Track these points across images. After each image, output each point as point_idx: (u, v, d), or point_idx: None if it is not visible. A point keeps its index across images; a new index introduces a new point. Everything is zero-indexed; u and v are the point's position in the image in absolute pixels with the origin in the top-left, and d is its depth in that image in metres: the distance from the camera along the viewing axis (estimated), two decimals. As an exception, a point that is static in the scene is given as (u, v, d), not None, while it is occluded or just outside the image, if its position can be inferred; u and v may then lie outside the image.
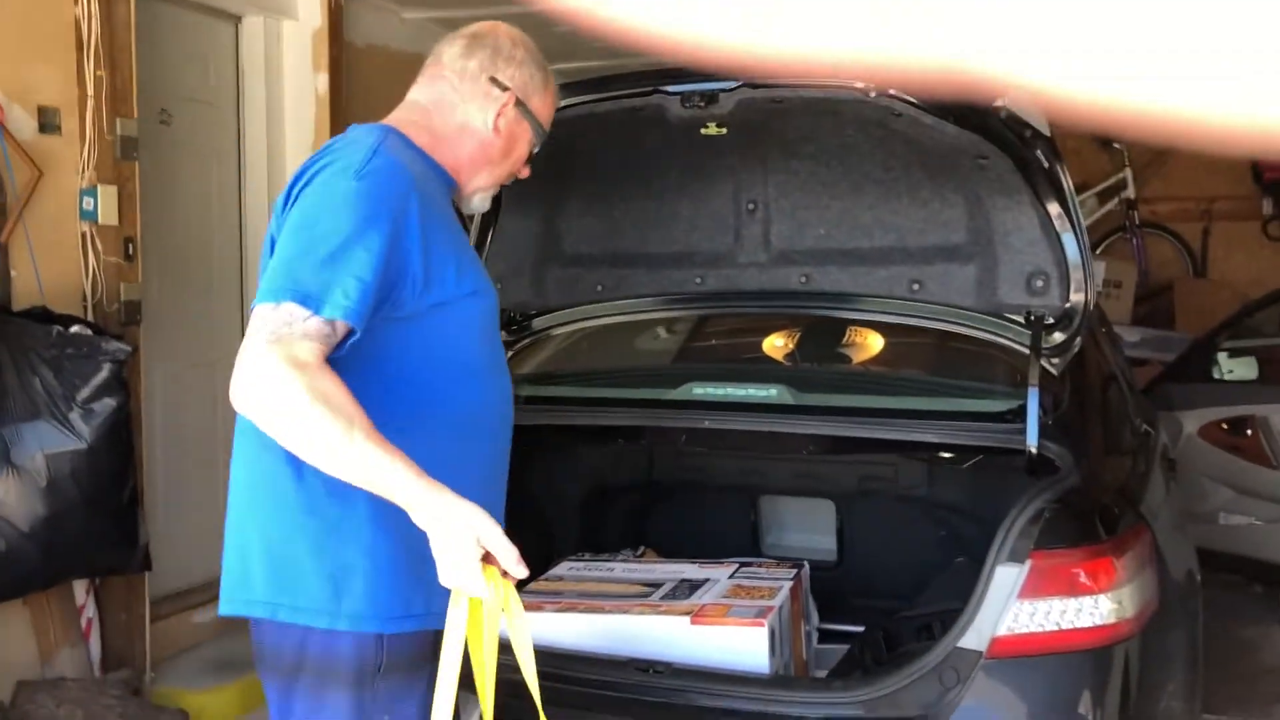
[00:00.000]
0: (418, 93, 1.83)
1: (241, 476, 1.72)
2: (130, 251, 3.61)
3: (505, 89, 1.79)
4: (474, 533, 1.48)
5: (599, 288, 2.96)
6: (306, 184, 1.62)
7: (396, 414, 1.61)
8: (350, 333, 1.53)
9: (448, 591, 1.58)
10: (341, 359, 1.54)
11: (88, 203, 3.48)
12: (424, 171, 1.71)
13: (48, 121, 3.39)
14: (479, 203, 1.88)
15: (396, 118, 1.80)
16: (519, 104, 1.80)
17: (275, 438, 1.52)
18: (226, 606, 1.70)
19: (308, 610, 1.62)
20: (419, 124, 1.77)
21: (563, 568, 2.75)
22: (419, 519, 1.50)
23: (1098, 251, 6.91)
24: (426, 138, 1.75)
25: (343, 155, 1.63)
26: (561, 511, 3.24)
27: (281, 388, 1.46)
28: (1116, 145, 7.01)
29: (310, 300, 1.50)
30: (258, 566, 1.65)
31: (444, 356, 1.68)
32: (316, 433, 1.46)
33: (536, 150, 1.89)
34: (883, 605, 2.79)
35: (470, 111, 1.79)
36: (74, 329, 3.22)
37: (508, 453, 1.83)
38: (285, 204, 1.65)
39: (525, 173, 1.91)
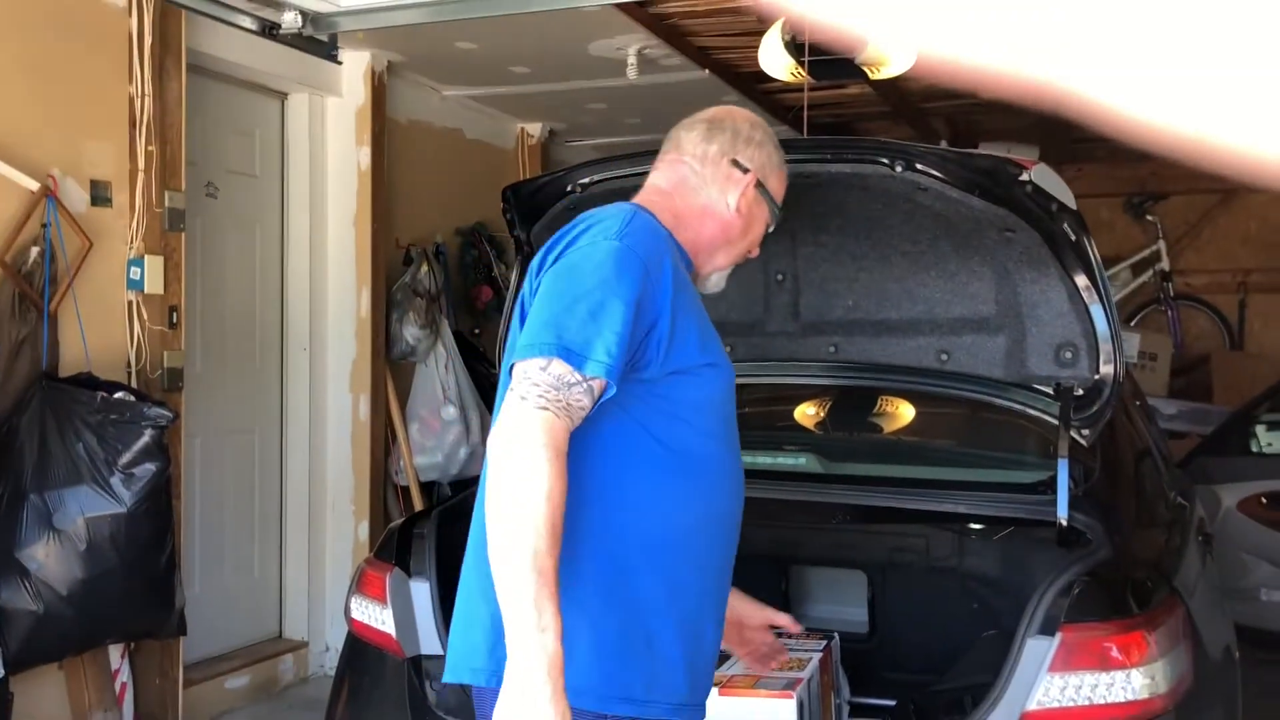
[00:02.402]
0: (657, 178, 1.86)
1: (477, 543, 1.70)
2: (174, 320, 3.71)
3: (746, 170, 1.83)
4: None
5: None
6: (565, 248, 1.67)
7: (640, 461, 1.63)
8: (606, 390, 1.55)
9: (674, 682, 1.58)
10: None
11: (135, 272, 3.58)
12: (675, 249, 1.77)
13: (99, 194, 3.52)
14: (715, 282, 1.90)
15: (640, 200, 1.84)
16: (759, 185, 1.84)
17: (488, 487, 1.51)
18: (451, 674, 1.69)
19: None
20: (661, 205, 1.80)
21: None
22: (509, 685, 1.44)
23: (1133, 324, 6.88)
24: (669, 218, 1.78)
25: (600, 222, 1.68)
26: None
27: (525, 470, 1.46)
28: (1150, 217, 7.02)
29: (574, 358, 1.51)
30: (481, 634, 1.64)
31: (683, 419, 1.68)
32: (515, 534, 1.45)
33: (771, 229, 1.93)
34: (914, 679, 2.76)
35: (712, 194, 1.82)
36: (117, 395, 3.30)
37: (731, 556, 1.77)
38: (539, 270, 1.69)
39: (756, 252, 1.94)
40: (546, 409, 1.48)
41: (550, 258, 1.66)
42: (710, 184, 1.82)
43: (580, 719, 1.50)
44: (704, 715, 1.71)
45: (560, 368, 1.50)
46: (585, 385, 1.51)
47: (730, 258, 1.87)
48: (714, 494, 1.70)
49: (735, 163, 1.82)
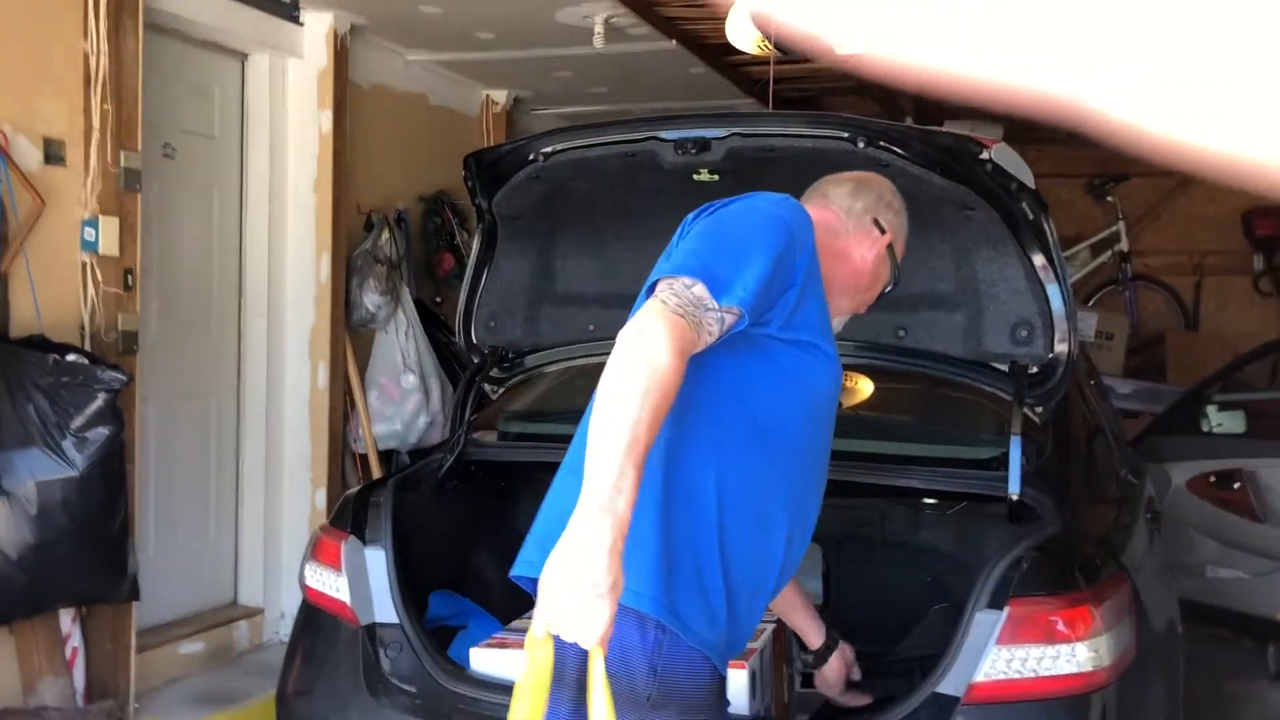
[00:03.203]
0: (814, 215, 1.91)
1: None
2: (129, 282, 3.65)
3: (884, 232, 1.97)
4: (599, 589, 1.42)
5: (591, 327, 2.99)
6: (720, 208, 1.78)
7: (735, 411, 1.70)
8: (738, 321, 1.63)
9: (713, 618, 1.64)
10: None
11: (89, 233, 3.52)
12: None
13: (53, 153, 3.45)
14: (837, 325, 1.98)
15: None
16: (889, 248, 1.98)
17: (608, 366, 1.55)
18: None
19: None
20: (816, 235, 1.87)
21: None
22: (573, 526, 1.46)
23: (1090, 303, 6.97)
24: (819, 248, 1.85)
25: (758, 195, 1.81)
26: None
27: (647, 352, 1.51)
28: (1110, 199, 7.09)
29: (715, 285, 1.60)
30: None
31: (785, 389, 1.75)
32: (620, 400, 1.49)
33: (888, 291, 2.04)
34: (868, 649, 2.79)
35: (850, 242, 1.95)
36: (70, 357, 3.25)
37: (797, 538, 1.81)
38: (690, 224, 1.79)
39: (864, 310, 2.05)
40: (682, 316, 1.56)
41: (704, 215, 1.79)
42: (851, 234, 1.95)
43: (621, 613, 1.52)
44: (725, 675, 1.73)
45: (702, 290, 1.60)
46: (719, 314, 1.60)
47: (850, 305, 2.00)
48: (789, 469, 1.77)
49: (876, 222, 1.97)
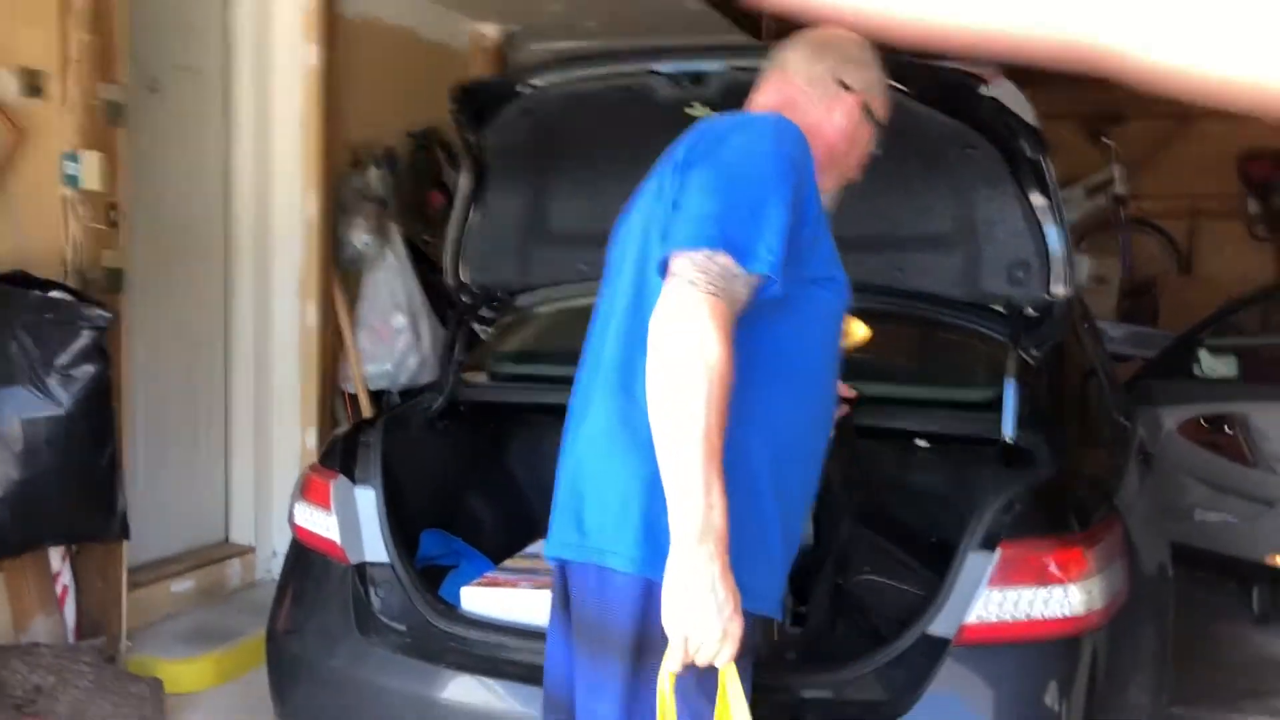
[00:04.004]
0: (763, 98, 1.84)
1: (609, 424, 1.69)
2: (113, 218, 3.59)
3: (852, 90, 1.83)
4: (725, 612, 1.43)
5: (582, 267, 2.95)
6: (714, 144, 1.65)
7: (771, 365, 1.65)
8: (766, 284, 1.56)
9: (776, 580, 1.66)
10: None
11: (70, 168, 3.45)
12: None
13: (30, 84, 3.36)
14: (826, 203, 1.88)
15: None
16: (863, 105, 1.84)
17: (650, 376, 1.50)
18: (580, 554, 1.73)
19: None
20: None
21: (536, 545, 2.75)
22: (679, 560, 1.45)
23: (1084, 246, 6.93)
24: None
25: (751, 123, 1.69)
26: (540, 490, 3.24)
27: (698, 349, 1.46)
28: (1106, 140, 7.03)
29: (739, 252, 1.52)
30: (613, 515, 1.65)
31: (807, 329, 1.70)
32: (685, 411, 1.44)
33: (874, 152, 1.91)
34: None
35: (819, 114, 1.81)
36: (54, 294, 3.20)
37: (819, 467, 1.81)
38: (682, 163, 1.66)
39: (857, 176, 1.93)
40: (716, 295, 1.49)
41: (698, 152, 1.65)
42: (817, 104, 1.81)
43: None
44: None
45: (726, 259, 1.51)
46: (746, 279, 1.54)
47: (834, 180, 1.87)
48: (819, 405, 1.76)
49: (842, 83, 1.82)
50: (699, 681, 1.54)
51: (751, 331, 1.60)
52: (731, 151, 1.64)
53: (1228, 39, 0.59)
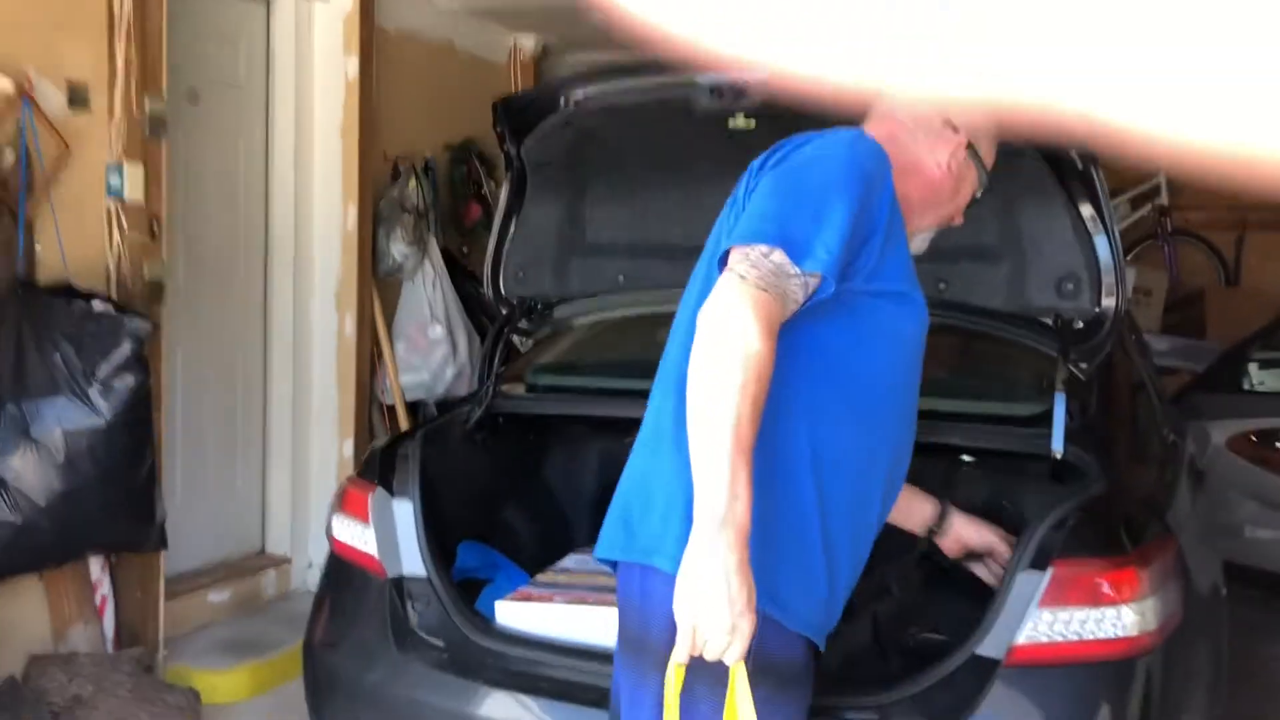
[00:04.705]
0: (876, 133, 1.80)
1: (663, 429, 1.68)
2: (155, 230, 3.61)
3: (957, 131, 1.81)
4: (737, 606, 1.39)
5: (621, 278, 2.93)
6: (790, 153, 1.65)
7: (823, 373, 1.62)
8: (821, 285, 1.54)
9: (815, 597, 1.60)
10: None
11: (114, 179, 3.48)
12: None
13: (77, 97, 3.40)
14: (919, 243, 1.87)
15: None
16: (970, 148, 1.82)
17: (691, 364, 1.49)
18: (636, 555, 1.70)
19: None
20: None
21: (570, 560, 2.73)
22: (695, 546, 1.42)
23: (1129, 258, 6.82)
24: None
25: (827, 136, 1.67)
26: (578, 503, 3.22)
27: (738, 340, 1.44)
28: (1151, 151, 6.92)
29: (795, 250, 1.51)
30: (667, 522, 1.63)
31: (873, 344, 1.67)
32: (718, 397, 1.42)
33: (979, 196, 1.89)
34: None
35: (921, 152, 1.80)
36: (96, 305, 3.22)
37: (888, 495, 1.75)
38: (758, 171, 1.67)
39: (960, 219, 1.91)
40: (765, 290, 1.48)
41: (772, 161, 1.65)
42: (921, 141, 1.79)
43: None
44: (821, 648, 1.70)
45: (781, 257, 1.50)
46: (802, 280, 1.51)
47: (936, 219, 1.85)
48: (880, 423, 1.69)
49: (948, 123, 1.80)
50: (710, 688, 1.50)
51: (809, 332, 1.58)
52: (803, 157, 1.64)
53: (1220, 110, 0.56)
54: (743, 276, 1.48)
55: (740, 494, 1.40)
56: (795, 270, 1.50)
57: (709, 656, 1.42)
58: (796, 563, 1.59)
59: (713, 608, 1.39)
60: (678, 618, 1.42)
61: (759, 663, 1.53)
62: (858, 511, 1.69)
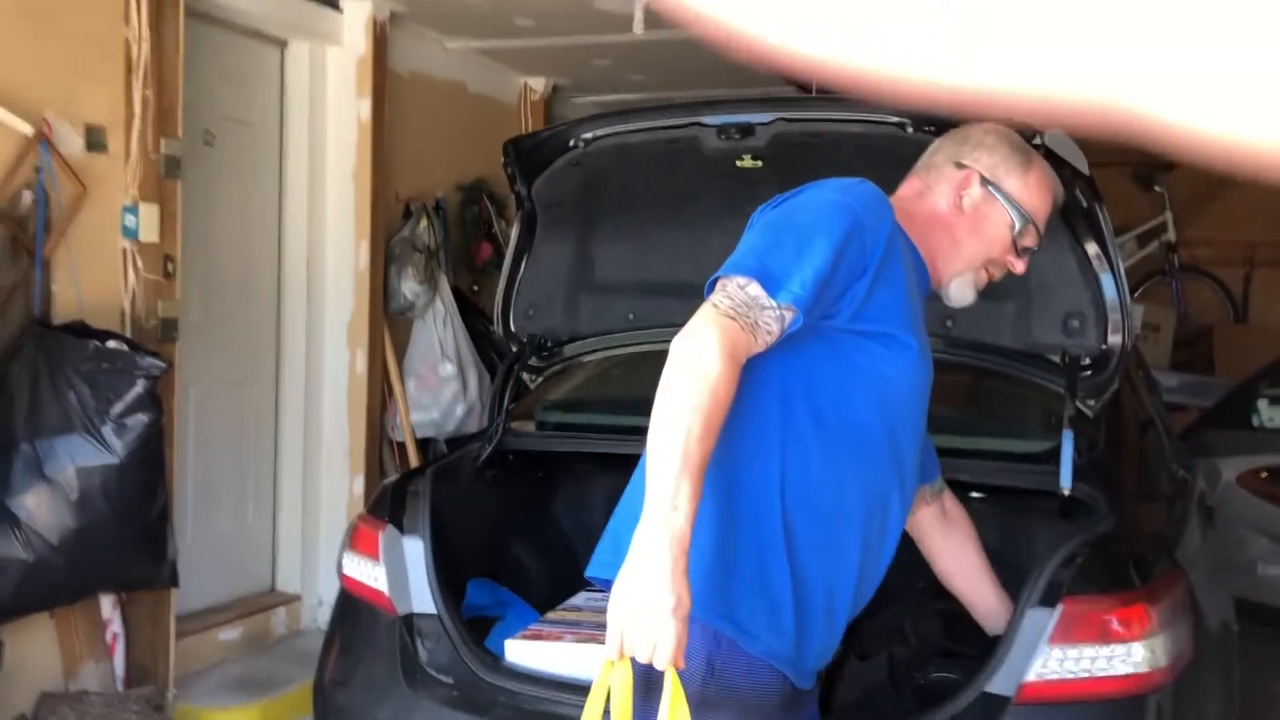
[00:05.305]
0: (900, 191, 1.86)
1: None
2: (169, 269, 3.66)
3: (964, 168, 1.83)
4: (665, 609, 1.42)
5: (630, 316, 2.96)
6: (788, 198, 1.70)
7: (795, 408, 1.64)
8: (794, 318, 1.57)
9: (781, 625, 1.60)
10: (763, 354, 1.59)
11: (129, 220, 3.53)
12: (906, 245, 1.74)
13: (94, 139, 3.45)
14: (958, 292, 1.86)
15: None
16: (985, 183, 1.81)
17: (662, 377, 1.53)
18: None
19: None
20: (897, 209, 1.77)
21: (581, 598, 2.73)
22: (633, 551, 1.46)
23: (1136, 294, 6.84)
24: (906, 222, 1.77)
25: (828, 182, 1.72)
26: (587, 540, 3.22)
27: (696, 361, 1.49)
28: (1158, 188, 6.95)
29: (770, 283, 1.56)
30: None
31: (855, 384, 1.67)
32: (672, 414, 1.47)
33: (1020, 236, 1.85)
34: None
35: (935, 198, 1.83)
36: (110, 344, 3.25)
37: (874, 540, 1.73)
38: (760, 215, 1.73)
39: (1019, 267, 1.87)
40: (734, 319, 1.53)
41: (772, 204, 1.71)
42: (934, 187, 1.83)
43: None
44: (810, 687, 1.70)
45: (757, 290, 1.55)
46: (777, 312, 1.56)
47: (968, 262, 1.83)
48: (858, 466, 1.68)
49: (957, 164, 1.83)
50: (644, 695, 1.54)
51: (790, 364, 1.63)
52: (798, 201, 1.69)
53: (1256, 101, 0.56)
54: (715, 305, 1.55)
55: (681, 506, 1.44)
56: (770, 302, 1.55)
57: (639, 659, 1.45)
58: (758, 589, 1.61)
59: (640, 611, 1.43)
60: (608, 618, 1.47)
61: (722, 685, 1.58)
62: (833, 553, 1.67)
